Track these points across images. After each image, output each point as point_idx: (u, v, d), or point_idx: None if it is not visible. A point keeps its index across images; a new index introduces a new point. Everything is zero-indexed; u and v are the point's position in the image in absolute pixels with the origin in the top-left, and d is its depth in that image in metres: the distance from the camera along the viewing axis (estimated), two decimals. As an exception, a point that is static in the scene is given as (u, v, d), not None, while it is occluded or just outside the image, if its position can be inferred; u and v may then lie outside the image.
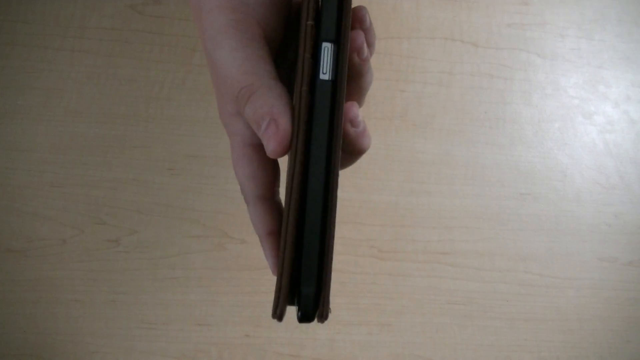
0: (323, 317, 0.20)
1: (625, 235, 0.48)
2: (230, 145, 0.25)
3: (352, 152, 0.24)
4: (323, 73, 0.21)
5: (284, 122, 0.21)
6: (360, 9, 0.23)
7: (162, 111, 0.47)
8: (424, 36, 0.51)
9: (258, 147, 0.25)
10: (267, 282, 0.44)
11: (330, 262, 0.21)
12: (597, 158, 0.50)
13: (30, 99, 0.46)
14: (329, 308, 0.20)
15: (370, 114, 0.49)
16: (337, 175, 0.21)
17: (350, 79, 0.23)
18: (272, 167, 0.25)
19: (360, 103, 0.25)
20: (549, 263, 0.47)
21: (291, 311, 0.21)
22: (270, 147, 0.21)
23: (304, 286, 0.21)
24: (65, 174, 0.45)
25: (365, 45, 0.23)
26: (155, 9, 0.49)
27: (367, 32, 0.24)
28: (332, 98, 0.21)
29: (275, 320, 0.20)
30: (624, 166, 0.50)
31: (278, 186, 0.26)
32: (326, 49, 0.22)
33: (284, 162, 0.25)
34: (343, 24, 0.22)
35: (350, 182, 0.47)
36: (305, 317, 0.21)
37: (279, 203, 0.26)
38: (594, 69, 0.52)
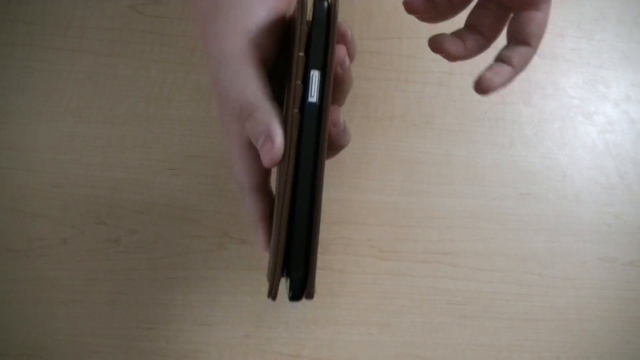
0: (309, 296, 0.25)
1: (625, 235, 0.48)
2: (229, 145, 0.29)
3: (334, 148, 0.28)
4: (311, 96, 0.25)
5: (278, 140, 0.25)
6: (341, 25, 0.27)
7: (162, 111, 0.47)
8: (424, 36, 0.51)
9: (254, 146, 0.28)
10: (267, 282, 0.44)
11: (316, 253, 0.25)
12: (597, 158, 0.50)
13: (30, 99, 0.46)
14: (314, 290, 0.25)
15: (370, 114, 0.49)
16: (322, 181, 0.25)
17: (333, 86, 0.27)
18: None
19: (342, 103, 0.29)
20: (549, 263, 0.47)
21: (282, 293, 0.25)
22: (266, 161, 0.25)
23: (294, 272, 0.25)
24: (65, 174, 0.45)
25: (347, 58, 0.26)
26: (155, 9, 0.49)
27: (349, 44, 0.27)
28: (319, 117, 0.25)
29: (270, 299, 0.25)
30: (624, 166, 0.50)
31: (270, 177, 0.30)
32: (314, 75, 0.25)
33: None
34: (329, 55, 0.25)
35: (350, 182, 0.47)
36: (295, 297, 0.25)
37: (271, 191, 0.30)
38: (594, 69, 0.52)
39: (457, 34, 0.35)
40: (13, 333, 0.42)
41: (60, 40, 0.47)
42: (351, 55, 0.28)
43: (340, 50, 0.26)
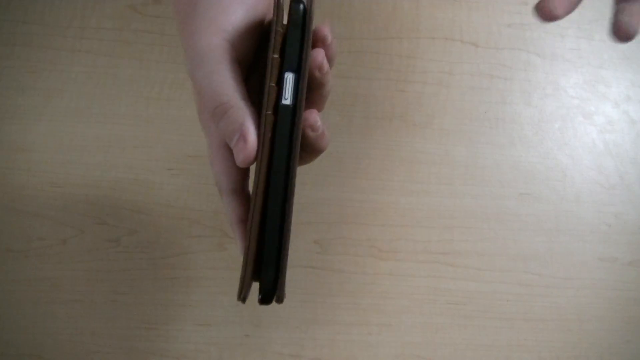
0: (279, 300, 0.24)
1: (625, 235, 0.48)
2: (208, 144, 0.29)
3: (312, 151, 0.28)
4: (285, 99, 0.25)
5: (251, 138, 0.25)
6: (321, 28, 0.27)
7: (162, 111, 0.47)
8: (424, 36, 0.51)
9: (229, 147, 0.28)
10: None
11: (286, 256, 0.24)
12: (597, 158, 0.50)
13: (30, 99, 0.46)
14: (284, 293, 0.24)
15: (370, 114, 0.49)
16: (294, 184, 0.25)
17: (312, 89, 0.27)
18: None
19: (321, 108, 0.29)
20: (549, 263, 0.47)
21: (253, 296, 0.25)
22: (240, 159, 0.25)
23: (264, 275, 0.25)
24: (65, 174, 0.45)
25: (325, 61, 0.26)
26: (155, 9, 0.49)
27: (329, 47, 0.27)
28: (292, 120, 0.25)
29: (240, 302, 0.24)
30: (624, 166, 0.50)
31: (247, 180, 0.29)
32: (288, 78, 0.25)
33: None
34: (303, 57, 0.25)
35: (350, 182, 0.47)
36: (264, 300, 0.25)
37: (249, 195, 0.29)
38: (594, 69, 0.52)
39: None
40: (13, 333, 0.42)
41: (60, 40, 0.47)
42: (330, 59, 0.27)
43: (318, 54, 0.26)
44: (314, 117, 0.26)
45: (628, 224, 0.49)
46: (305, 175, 0.45)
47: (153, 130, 0.46)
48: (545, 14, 0.29)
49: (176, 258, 0.44)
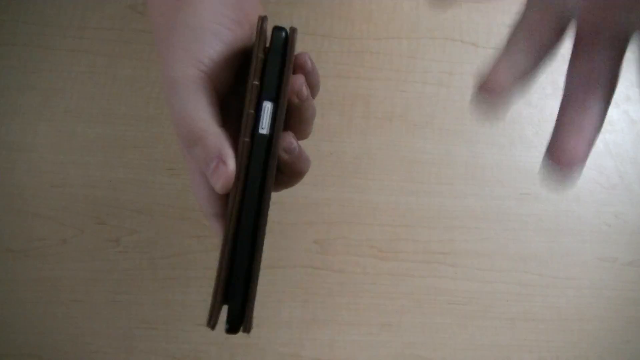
0: (247, 331, 0.24)
1: (625, 235, 0.48)
2: (189, 171, 0.29)
3: (291, 174, 0.28)
4: (262, 128, 0.25)
5: (231, 162, 0.25)
6: (301, 55, 0.26)
7: (162, 111, 0.47)
8: (424, 36, 0.51)
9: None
10: (267, 282, 0.44)
11: (255, 285, 0.24)
12: (597, 158, 0.50)
13: (30, 99, 0.46)
14: (252, 323, 0.24)
15: (370, 114, 0.49)
16: (266, 213, 0.25)
17: (292, 113, 0.27)
18: None
19: (304, 132, 0.29)
20: (549, 263, 0.47)
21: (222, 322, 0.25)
22: (219, 185, 0.25)
23: (231, 305, 0.24)
24: (65, 174, 0.45)
25: (304, 87, 0.26)
26: (155, 9, 0.49)
27: (310, 74, 0.27)
28: (267, 150, 0.25)
29: (209, 328, 0.24)
30: (624, 166, 0.50)
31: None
32: (266, 107, 0.25)
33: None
34: (282, 87, 0.25)
35: (350, 182, 0.47)
36: (231, 329, 0.24)
37: None
38: (594, 69, 0.52)
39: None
40: (13, 333, 0.42)
41: (60, 40, 0.47)
42: (312, 86, 0.27)
43: (297, 80, 0.25)
44: (288, 140, 0.26)
45: (628, 224, 0.49)
46: (305, 175, 0.45)
47: (153, 130, 0.46)
48: (563, 156, 0.20)
49: (176, 258, 0.44)
